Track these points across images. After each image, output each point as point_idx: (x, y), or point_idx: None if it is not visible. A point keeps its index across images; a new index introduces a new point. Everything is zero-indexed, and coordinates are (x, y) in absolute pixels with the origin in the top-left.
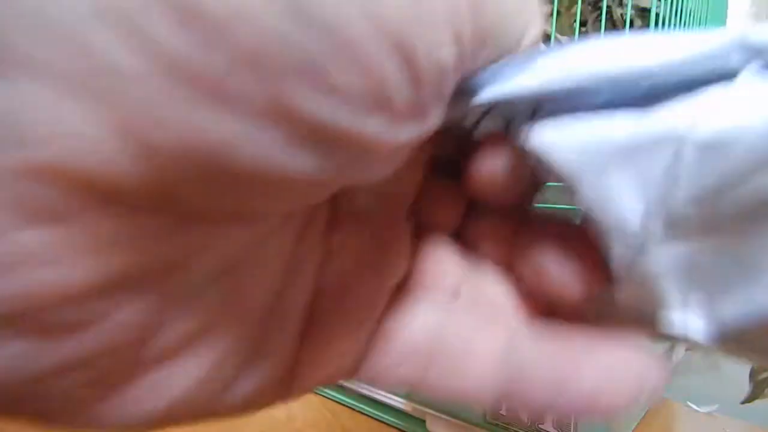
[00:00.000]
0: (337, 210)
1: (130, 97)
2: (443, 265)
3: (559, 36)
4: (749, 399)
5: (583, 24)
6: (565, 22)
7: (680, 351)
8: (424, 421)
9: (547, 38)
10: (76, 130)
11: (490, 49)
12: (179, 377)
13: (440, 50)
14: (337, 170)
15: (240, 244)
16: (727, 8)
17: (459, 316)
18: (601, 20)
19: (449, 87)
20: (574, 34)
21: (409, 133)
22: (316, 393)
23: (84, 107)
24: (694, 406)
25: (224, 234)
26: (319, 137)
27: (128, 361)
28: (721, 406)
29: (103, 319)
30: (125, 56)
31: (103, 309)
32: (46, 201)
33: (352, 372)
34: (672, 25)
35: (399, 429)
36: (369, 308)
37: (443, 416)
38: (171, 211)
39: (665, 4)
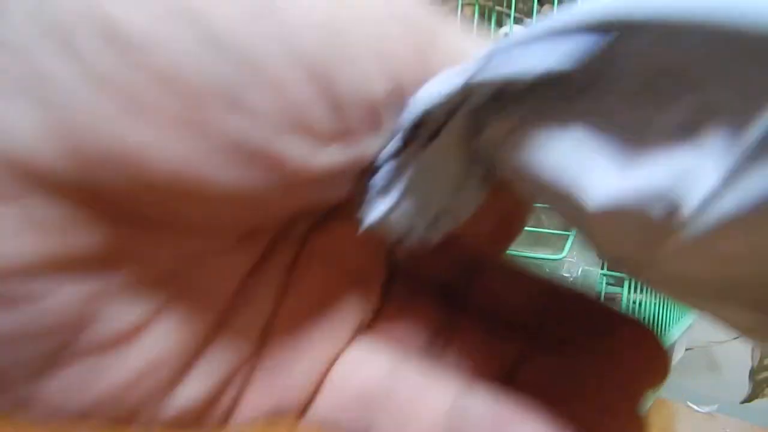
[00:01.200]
0: (308, 244)
1: (60, 101)
2: (417, 321)
3: None
4: (749, 399)
5: None
6: None
7: (680, 351)
8: None
9: None
10: (14, 124)
11: None
12: (115, 371)
13: (368, 84)
14: (264, 188)
15: (190, 254)
16: None
17: (414, 370)
18: None
19: (387, 117)
20: None
21: (338, 155)
22: None
23: (22, 106)
24: (694, 406)
25: (171, 240)
26: (236, 152)
27: (64, 345)
28: (721, 406)
29: (42, 298)
30: (58, 66)
31: (42, 288)
32: None
33: (297, 409)
34: None
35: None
36: (325, 346)
37: None
38: (106, 208)
39: None
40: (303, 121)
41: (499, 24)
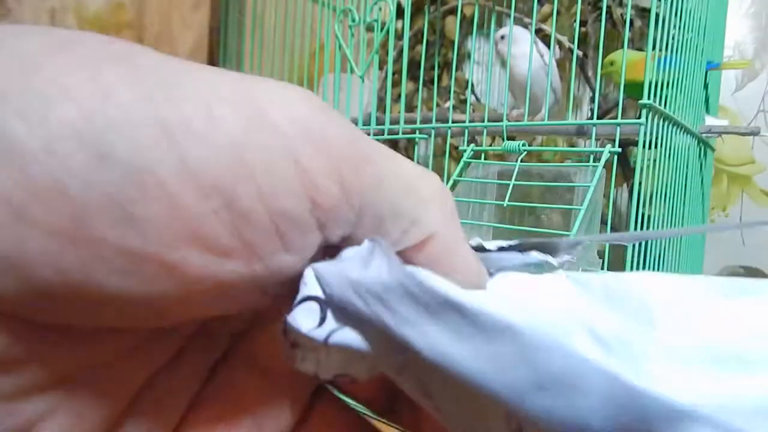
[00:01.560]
0: (237, 346)
1: None
2: None
3: (559, 36)
4: None
5: (583, 24)
6: (565, 21)
7: None
8: None
9: (546, 38)
10: None
11: (369, 224)
12: None
13: (274, 205)
14: (161, 295)
15: (90, 356)
16: (726, 8)
17: None
18: (601, 20)
19: (302, 236)
20: (574, 33)
21: (242, 269)
22: None
23: None
24: None
25: (69, 346)
26: (126, 261)
27: None
28: None
29: None
30: None
31: None
32: None
33: None
34: (672, 25)
35: (399, 429)
36: None
37: None
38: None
39: (665, 4)
40: (200, 234)
41: (499, 24)
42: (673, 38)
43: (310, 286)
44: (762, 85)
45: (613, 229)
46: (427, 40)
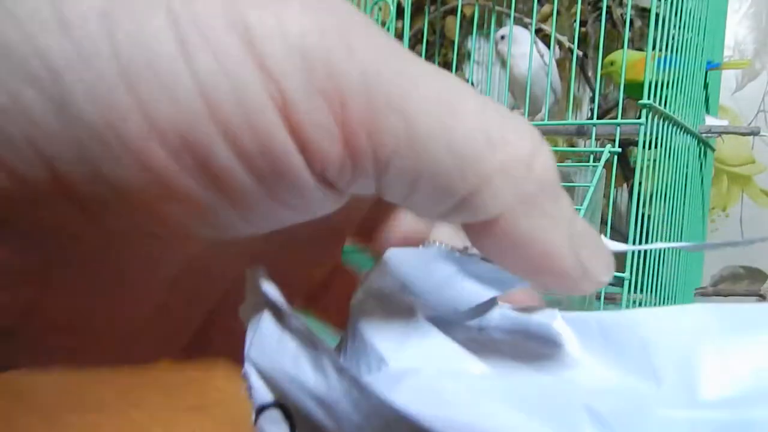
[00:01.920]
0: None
1: None
2: None
3: (559, 36)
4: None
5: (583, 24)
6: (565, 21)
7: None
8: None
9: (546, 38)
10: None
11: (398, 185)
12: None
13: (251, 148)
14: (155, 235)
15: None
16: (726, 8)
17: None
18: (601, 20)
19: (294, 192)
20: (574, 33)
21: (228, 218)
22: None
23: None
24: None
25: (95, 243)
26: (108, 212)
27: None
28: None
29: None
30: None
31: None
32: None
33: None
34: (672, 25)
35: None
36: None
37: None
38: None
39: (665, 4)
40: (173, 193)
41: (499, 24)
42: (673, 38)
43: (257, 389)
44: (762, 85)
45: (613, 229)
46: (427, 40)
